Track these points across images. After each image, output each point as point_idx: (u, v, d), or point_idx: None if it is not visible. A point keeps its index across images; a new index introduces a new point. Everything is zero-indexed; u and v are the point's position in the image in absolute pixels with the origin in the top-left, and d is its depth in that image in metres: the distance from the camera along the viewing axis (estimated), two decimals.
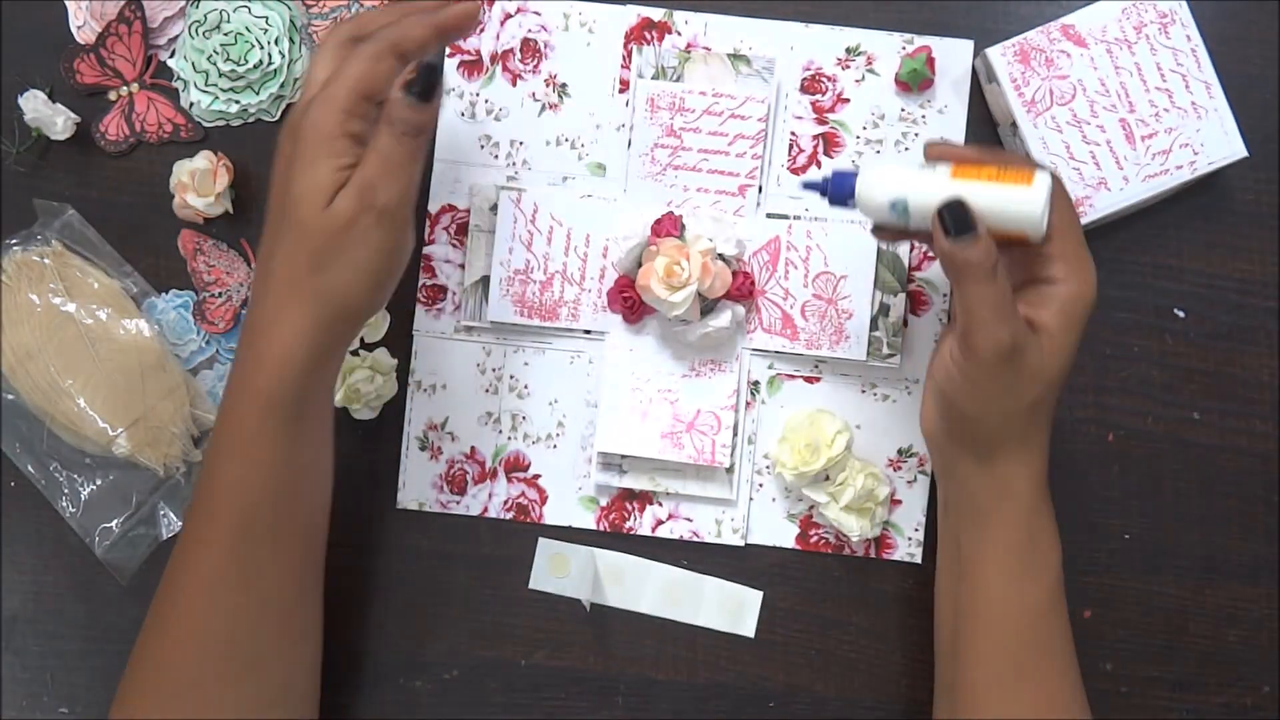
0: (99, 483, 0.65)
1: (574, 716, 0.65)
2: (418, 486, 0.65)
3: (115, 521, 0.64)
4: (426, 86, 0.51)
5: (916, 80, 0.63)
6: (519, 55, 0.65)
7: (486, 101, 0.65)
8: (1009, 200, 0.50)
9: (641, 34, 0.65)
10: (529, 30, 0.65)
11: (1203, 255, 0.65)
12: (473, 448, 0.65)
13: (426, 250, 0.65)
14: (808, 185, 0.55)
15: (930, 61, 0.63)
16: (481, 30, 0.65)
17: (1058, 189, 0.51)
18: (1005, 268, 0.50)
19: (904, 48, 0.64)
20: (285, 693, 0.57)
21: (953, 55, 0.64)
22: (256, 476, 0.53)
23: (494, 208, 0.64)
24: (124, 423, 0.64)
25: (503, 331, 0.65)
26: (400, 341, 0.65)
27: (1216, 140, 0.62)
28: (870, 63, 0.65)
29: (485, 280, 0.64)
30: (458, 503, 0.65)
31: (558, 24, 0.65)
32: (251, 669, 0.55)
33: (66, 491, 0.65)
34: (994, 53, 0.62)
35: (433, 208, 0.65)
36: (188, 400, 0.64)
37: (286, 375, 0.52)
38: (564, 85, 0.65)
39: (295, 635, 0.57)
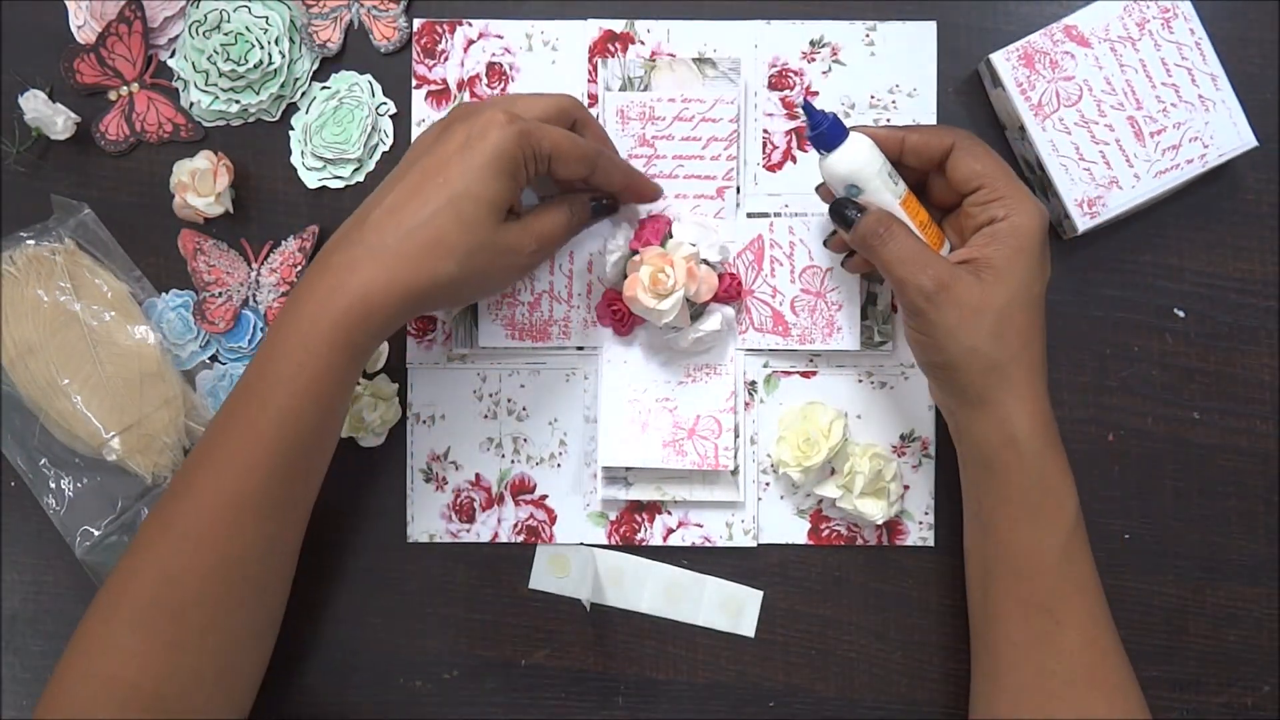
0: (85, 482, 0.65)
1: (574, 716, 0.65)
2: (426, 518, 0.65)
3: (98, 524, 0.64)
4: (608, 210, 0.61)
5: None
6: (485, 80, 0.65)
7: None
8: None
9: (605, 47, 0.65)
10: (493, 54, 0.65)
11: (1203, 255, 0.65)
12: (477, 475, 0.65)
13: None
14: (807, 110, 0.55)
15: None
16: (446, 59, 0.65)
17: (970, 143, 0.56)
18: (902, 229, 0.55)
19: (867, 35, 0.65)
20: (274, 624, 0.58)
21: (917, 38, 0.64)
22: (314, 410, 0.53)
23: None
24: (117, 427, 0.63)
25: (496, 356, 0.65)
26: (397, 375, 0.65)
27: (1225, 132, 0.62)
28: (835, 53, 0.65)
29: (473, 307, 0.64)
30: (468, 530, 0.65)
31: (521, 45, 0.65)
32: (259, 594, 0.56)
33: (53, 488, 0.64)
34: (998, 58, 0.62)
35: None
36: (183, 412, 0.64)
37: (374, 321, 0.52)
38: None
39: (292, 564, 0.58)
